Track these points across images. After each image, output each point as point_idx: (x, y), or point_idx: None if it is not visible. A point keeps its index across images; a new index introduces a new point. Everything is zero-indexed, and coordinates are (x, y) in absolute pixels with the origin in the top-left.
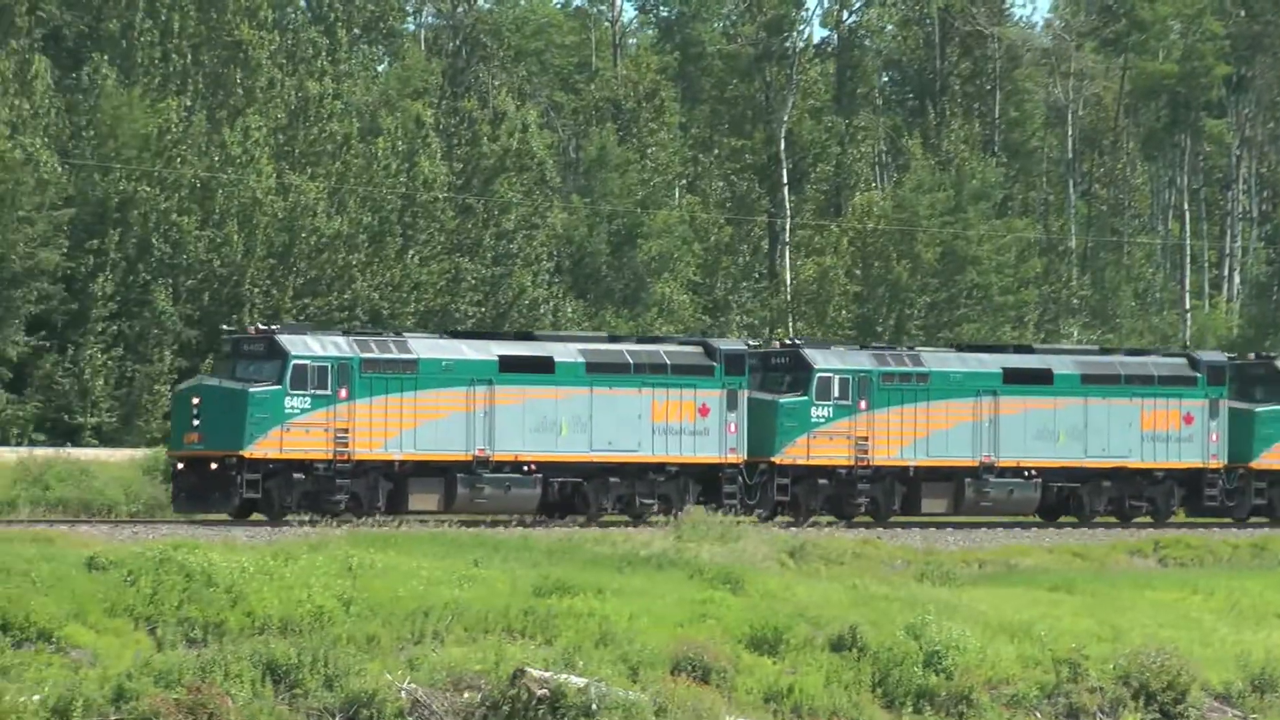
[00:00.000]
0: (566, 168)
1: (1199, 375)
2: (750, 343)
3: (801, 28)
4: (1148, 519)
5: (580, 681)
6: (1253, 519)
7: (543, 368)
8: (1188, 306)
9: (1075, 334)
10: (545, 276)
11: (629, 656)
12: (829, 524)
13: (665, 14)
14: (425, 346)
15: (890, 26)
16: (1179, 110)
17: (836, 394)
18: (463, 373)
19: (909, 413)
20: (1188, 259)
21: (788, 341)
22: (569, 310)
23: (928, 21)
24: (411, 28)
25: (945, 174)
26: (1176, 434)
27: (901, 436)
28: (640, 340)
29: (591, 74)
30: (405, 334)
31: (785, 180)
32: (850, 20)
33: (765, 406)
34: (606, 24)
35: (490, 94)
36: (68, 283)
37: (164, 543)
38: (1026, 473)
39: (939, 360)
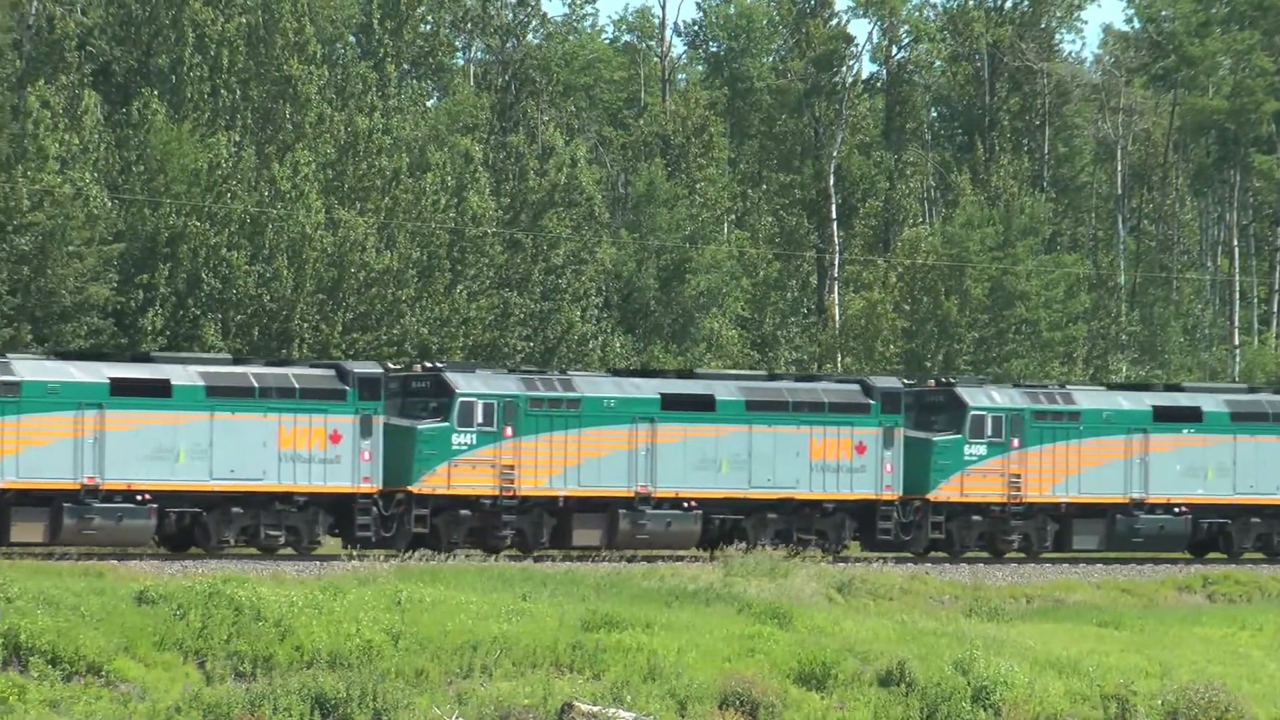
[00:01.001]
0: (615, 203)
1: (873, 402)
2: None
3: (851, 63)
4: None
5: (628, 716)
6: (932, 554)
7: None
8: (1236, 342)
9: (1124, 370)
10: (594, 312)
11: (677, 691)
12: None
13: (714, 49)
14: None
15: (939, 62)
16: (1228, 146)
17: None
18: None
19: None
20: (1236, 295)
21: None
22: (617, 345)
23: (977, 57)
24: (461, 63)
25: (994, 209)
26: (848, 464)
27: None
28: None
29: (640, 109)
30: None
31: (834, 215)
32: (899, 56)
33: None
34: (655, 59)
35: (539, 129)
36: (117, 317)
37: (213, 577)
38: (686, 504)
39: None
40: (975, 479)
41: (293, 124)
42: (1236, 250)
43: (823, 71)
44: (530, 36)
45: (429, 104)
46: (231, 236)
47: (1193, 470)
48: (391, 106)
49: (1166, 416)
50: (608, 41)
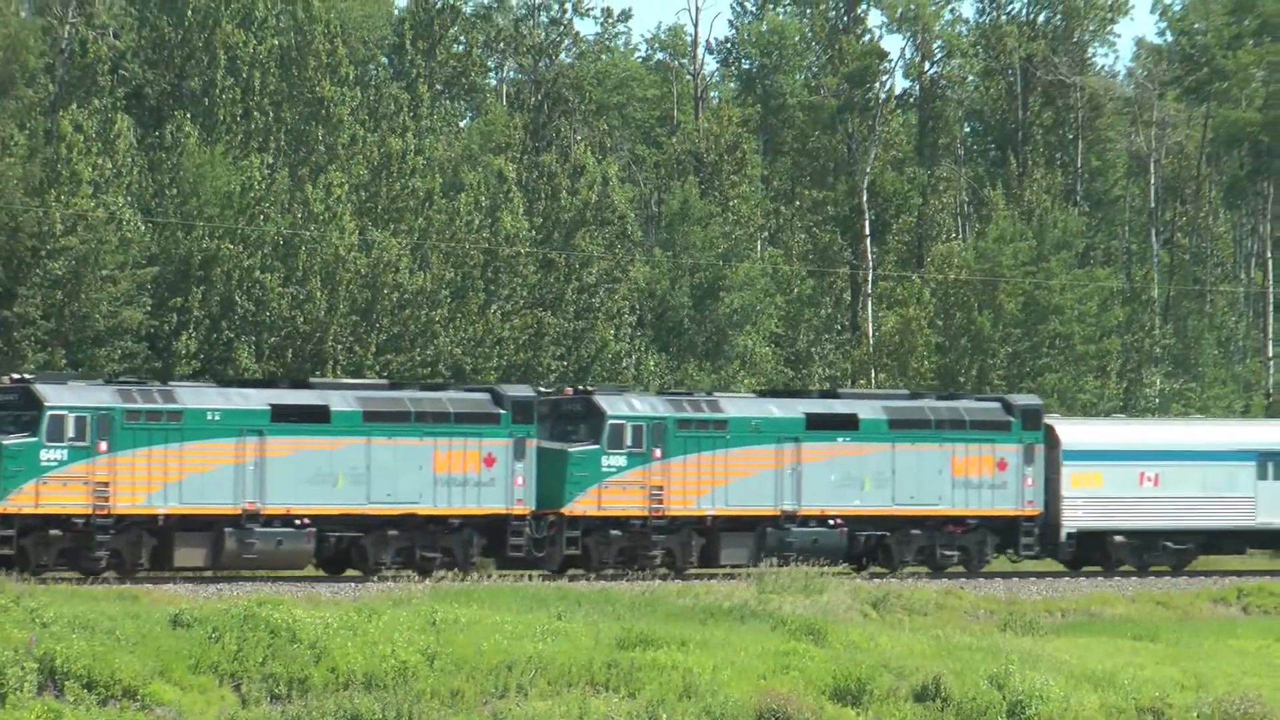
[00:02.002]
0: (648, 221)
1: (503, 412)
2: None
3: (883, 79)
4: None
5: None
6: (571, 570)
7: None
8: (1270, 354)
9: (1158, 383)
10: (627, 330)
11: (712, 709)
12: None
13: (747, 66)
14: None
15: (972, 77)
16: (1261, 158)
17: (630, 442)
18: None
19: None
20: (1270, 307)
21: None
22: (651, 364)
23: (1009, 72)
24: (493, 83)
25: (1027, 224)
26: (476, 477)
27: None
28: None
29: (673, 127)
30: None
31: (867, 231)
32: (932, 71)
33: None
34: (688, 77)
35: (571, 148)
36: (151, 341)
37: (248, 599)
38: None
39: None
40: (615, 491)
41: (325, 145)
42: (1270, 262)
43: (855, 87)
44: (563, 56)
45: (462, 124)
46: (265, 259)
47: (849, 480)
48: (424, 127)
49: (820, 424)
50: (640, 60)
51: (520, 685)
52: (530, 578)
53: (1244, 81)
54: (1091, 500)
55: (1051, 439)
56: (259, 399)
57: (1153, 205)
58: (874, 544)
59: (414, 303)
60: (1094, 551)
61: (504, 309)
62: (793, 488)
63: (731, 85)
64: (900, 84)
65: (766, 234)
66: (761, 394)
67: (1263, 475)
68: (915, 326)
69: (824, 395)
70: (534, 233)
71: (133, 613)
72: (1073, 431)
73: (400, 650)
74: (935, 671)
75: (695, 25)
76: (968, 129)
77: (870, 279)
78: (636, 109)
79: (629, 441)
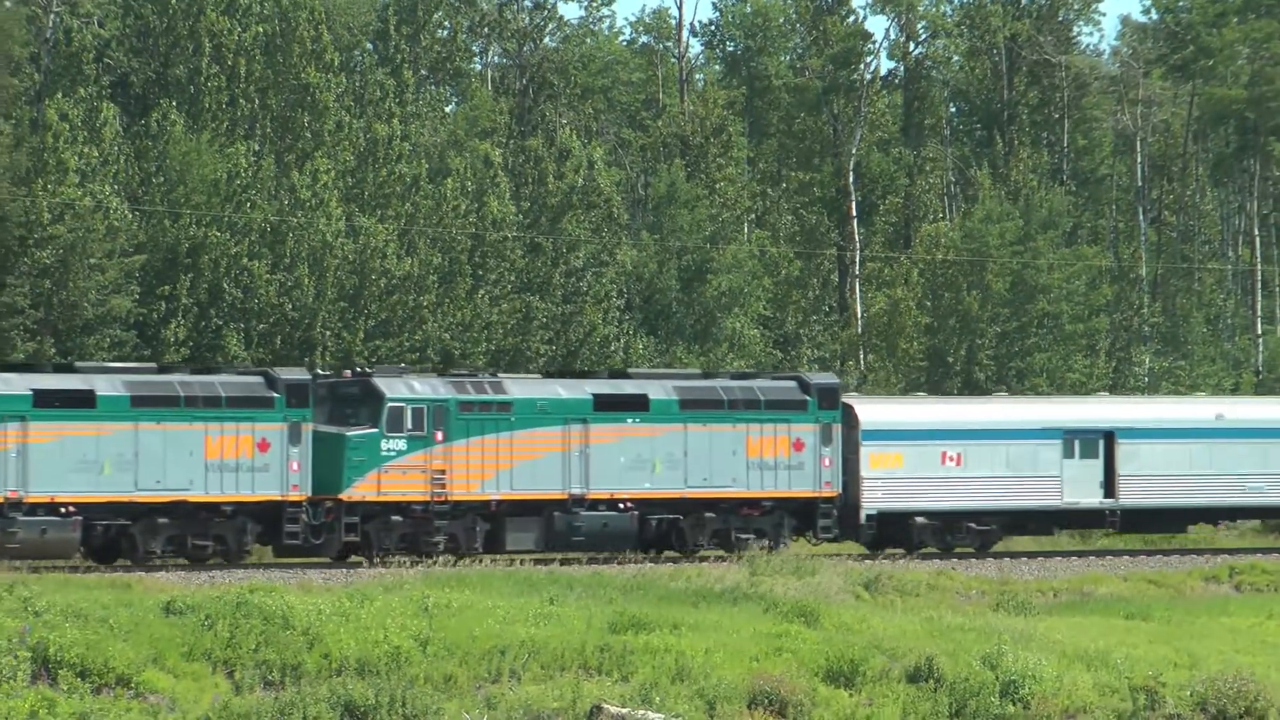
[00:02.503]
0: (635, 204)
1: (277, 396)
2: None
3: (868, 60)
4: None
5: (657, 717)
6: (352, 558)
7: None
8: (1259, 332)
9: (1147, 362)
10: (615, 314)
11: (705, 691)
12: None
13: (731, 49)
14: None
15: (957, 57)
16: (1248, 135)
17: (411, 425)
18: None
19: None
20: (1259, 284)
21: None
22: (640, 347)
23: (994, 51)
24: (478, 68)
25: (1014, 203)
26: (249, 462)
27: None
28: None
29: (658, 110)
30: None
31: (854, 213)
32: (917, 52)
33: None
34: (673, 60)
35: (557, 132)
36: (140, 329)
37: (241, 586)
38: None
39: None
40: (395, 476)
41: (311, 132)
42: (1258, 239)
43: (841, 69)
44: (547, 40)
45: (447, 109)
46: (252, 246)
47: (639, 462)
48: (410, 113)
49: (608, 405)
50: (625, 43)
51: (513, 670)
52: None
53: (1229, 59)
54: (892, 481)
55: (850, 418)
56: (21, 384)
57: (1139, 184)
58: (667, 528)
59: (401, 288)
60: (896, 533)
61: (492, 294)
62: (581, 471)
63: (716, 68)
64: (885, 65)
65: (753, 216)
66: (549, 375)
67: (1069, 454)
68: (903, 307)
69: (613, 375)
70: (521, 217)
71: (125, 601)
72: (872, 411)
73: (393, 636)
74: (928, 652)
75: (679, 8)
76: (953, 109)
77: (858, 260)
78: (622, 92)
79: (409, 425)
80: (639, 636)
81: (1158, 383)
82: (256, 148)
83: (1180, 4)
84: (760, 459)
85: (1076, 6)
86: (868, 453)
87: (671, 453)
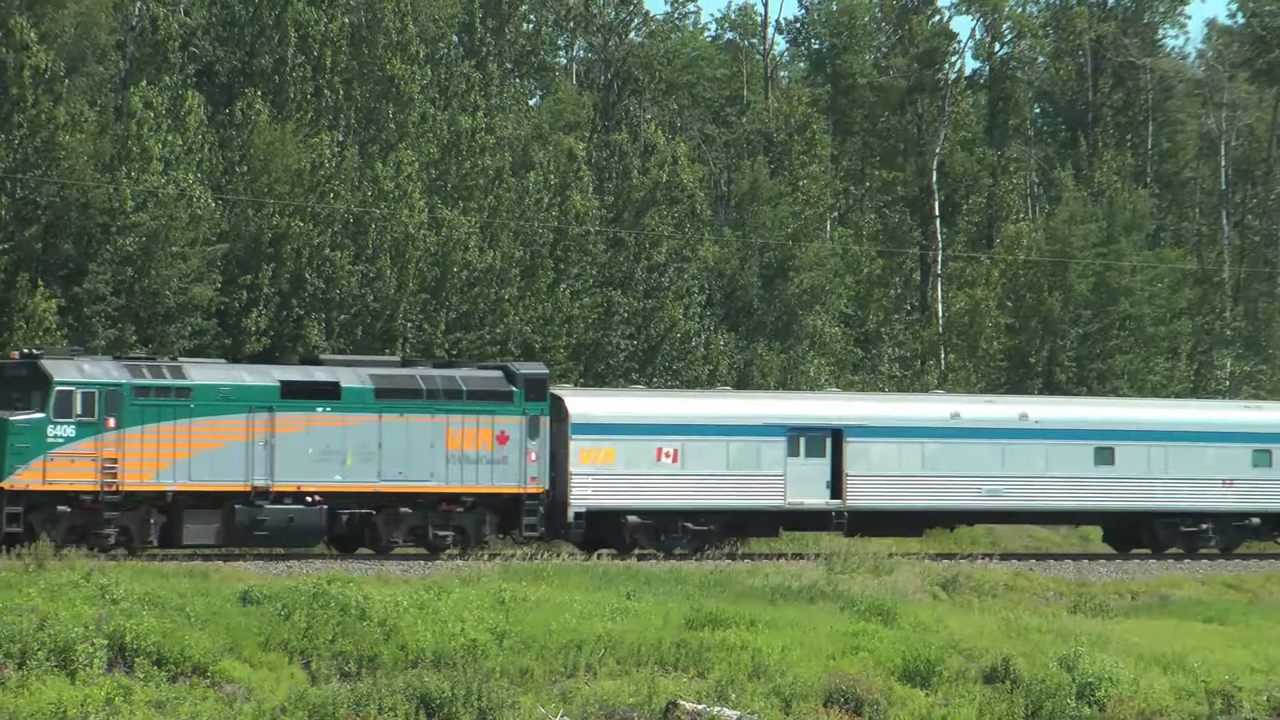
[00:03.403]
0: (718, 200)
1: None
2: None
3: (953, 59)
4: None
5: (733, 714)
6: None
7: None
8: None
9: (1228, 365)
10: (696, 310)
11: (781, 689)
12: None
13: (816, 46)
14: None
15: (1042, 58)
16: None
17: (81, 410)
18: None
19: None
20: None
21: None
22: (720, 343)
23: (1080, 53)
24: (563, 61)
25: (1097, 205)
26: None
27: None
28: None
29: (743, 107)
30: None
31: (937, 212)
32: (1002, 52)
33: None
34: (758, 57)
35: (641, 127)
36: (221, 318)
37: (318, 577)
38: None
39: None
40: (62, 464)
41: (395, 124)
42: None
43: (925, 68)
44: (633, 35)
45: (531, 103)
46: (335, 236)
47: (329, 454)
48: (494, 105)
49: (297, 393)
50: (710, 39)
51: (589, 664)
52: (600, 556)
53: None
54: (603, 477)
55: (560, 411)
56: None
57: (1223, 187)
58: (359, 523)
59: (483, 281)
60: (607, 532)
61: (573, 288)
62: (265, 461)
63: (801, 65)
64: (970, 65)
65: (836, 214)
66: (236, 360)
67: (793, 452)
68: (984, 307)
69: (305, 361)
70: (603, 211)
71: (202, 590)
72: (583, 403)
73: (469, 628)
74: (1005, 653)
75: (765, 5)
76: (1037, 110)
77: (940, 259)
78: (706, 88)
79: (79, 410)
80: (715, 633)
81: (1238, 387)
82: (340, 138)
83: (1267, 8)
84: (461, 452)
85: (1162, 9)
86: (578, 447)
87: (365, 444)
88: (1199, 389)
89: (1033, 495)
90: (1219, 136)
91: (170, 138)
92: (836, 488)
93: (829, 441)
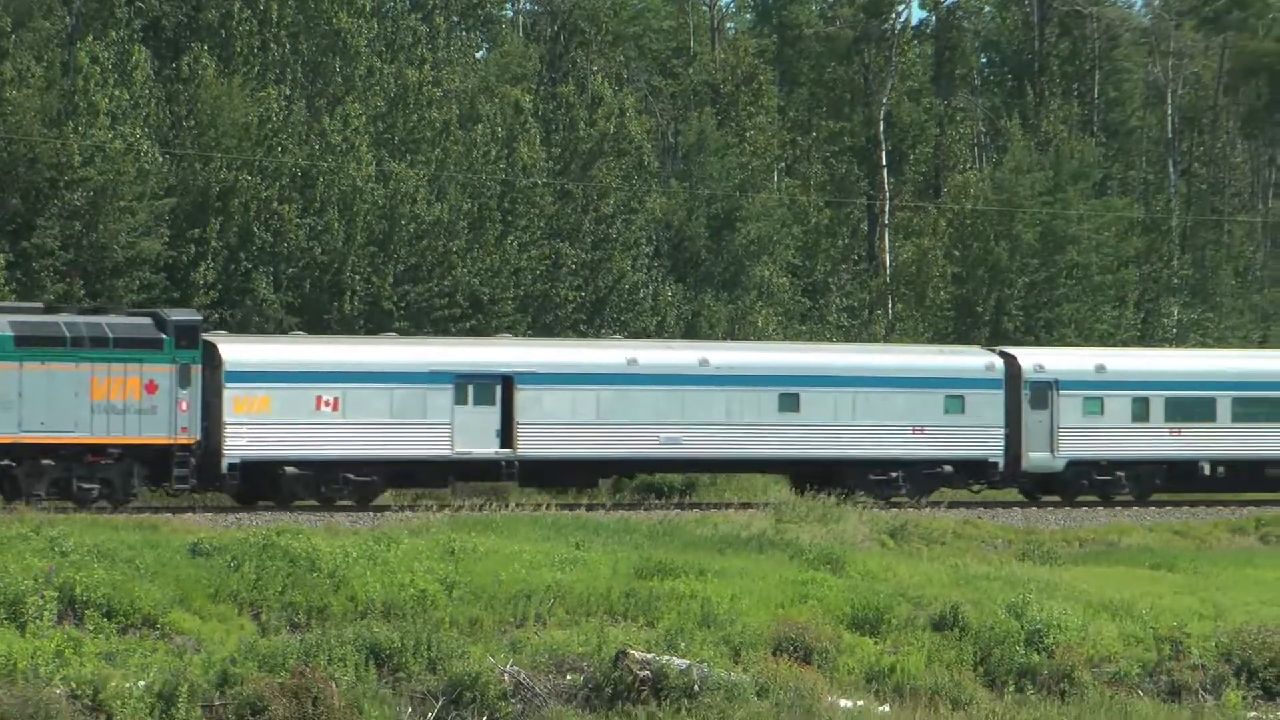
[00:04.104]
0: (665, 152)
1: None
2: None
3: (900, 9)
4: None
5: (682, 663)
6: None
7: None
8: None
9: (1175, 313)
10: (644, 261)
11: (731, 638)
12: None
13: None
14: None
15: (989, 7)
16: (1279, 88)
17: None
18: None
19: None
20: None
21: None
22: (668, 294)
23: (1026, 2)
24: (510, 14)
25: (1044, 154)
26: None
27: None
28: None
29: (689, 58)
30: None
31: (884, 162)
32: (949, 1)
33: None
34: (704, 8)
35: (588, 79)
36: (169, 271)
37: (267, 528)
38: None
39: None
40: None
41: (342, 77)
42: None
43: (872, 18)
44: None
45: (478, 55)
46: (282, 190)
47: None
48: (441, 58)
49: None
50: None
51: (539, 614)
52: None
53: (1262, 10)
54: (258, 427)
55: (213, 358)
56: None
57: (1170, 135)
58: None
59: (431, 233)
60: (264, 484)
61: (521, 240)
62: None
63: (747, 16)
64: (916, 14)
65: (783, 165)
66: None
67: (461, 400)
68: (931, 257)
69: None
70: (551, 164)
71: (152, 542)
72: (237, 351)
73: (419, 579)
74: (953, 601)
75: None
76: (984, 59)
77: (887, 209)
78: (653, 40)
79: None
80: (665, 582)
81: (1186, 334)
82: (288, 92)
83: None
84: (108, 402)
85: None
86: (231, 396)
87: (4, 393)
88: (1146, 337)
89: (713, 444)
90: (1165, 85)
91: (117, 92)
92: (507, 437)
93: (499, 389)
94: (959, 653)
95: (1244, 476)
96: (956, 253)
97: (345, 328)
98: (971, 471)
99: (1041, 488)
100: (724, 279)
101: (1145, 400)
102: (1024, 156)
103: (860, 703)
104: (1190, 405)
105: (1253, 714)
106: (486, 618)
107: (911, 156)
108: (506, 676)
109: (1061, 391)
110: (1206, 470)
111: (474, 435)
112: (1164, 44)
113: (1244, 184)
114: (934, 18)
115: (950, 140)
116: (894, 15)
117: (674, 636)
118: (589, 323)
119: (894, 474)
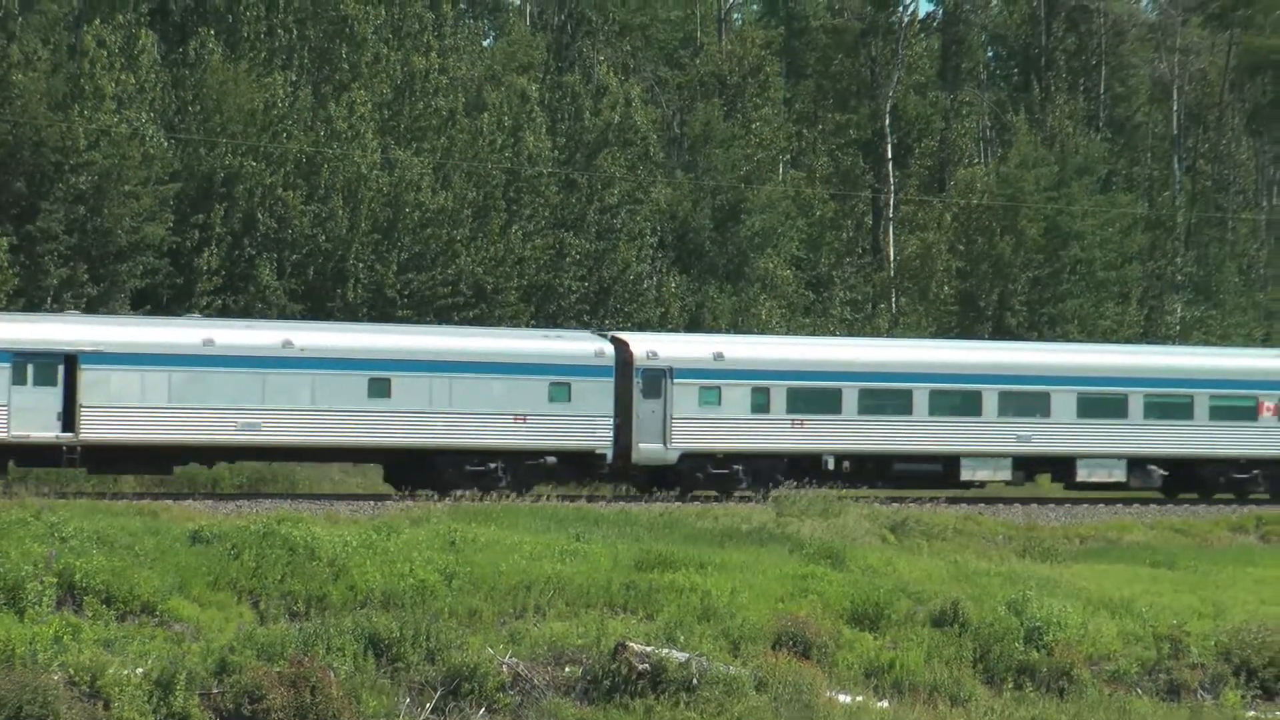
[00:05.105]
0: (671, 143)
1: None
2: None
3: (907, 2)
4: None
5: (682, 656)
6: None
7: None
8: None
9: (1179, 310)
10: (649, 251)
11: (730, 631)
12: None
13: None
14: None
15: (995, 2)
16: None
17: None
18: None
19: None
20: None
21: None
22: (672, 285)
23: None
24: (516, 2)
25: (1049, 149)
26: None
27: None
28: None
29: (696, 49)
30: None
31: (889, 156)
32: None
33: None
34: None
35: (594, 69)
36: (173, 257)
37: (267, 516)
38: None
39: None
40: None
41: (349, 64)
42: None
43: (879, 11)
44: None
45: (485, 44)
46: (287, 176)
47: None
48: (447, 46)
49: None
50: None
51: (538, 605)
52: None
53: (1269, 8)
54: None
55: None
56: None
57: (1175, 132)
58: None
59: (435, 221)
60: None
61: (525, 229)
62: None
63: (754, 7)
64: (924, 7)
65: (788, 157)
66: None
67: (20, 380)
68: (935, 251)
69: None
70: (556, 153)
71: (152, 529)
72: None
73: (418, 569)
74: (953, 596)
75: None
76: (991, 54)
77: (892, 203)
78: (660, 30)
79: None
80: (665, 575)
81: (1189, 331)
82: (294, 78)
83: None
84: None
85: None
86: None
87: None
88: (1149, 333)
89: (297, 430)
90: (1171, 81)
91: (123, 76)
92: (70, 420)
93: (62, 369)
94: (958, 649)
95: (870, 471)
96: (961, 247)
97: (349, 314)
98: (579, 463)
99: (656, 481)
100: (728, 271)
101: (766, 390)
102: (1029, 151)
103: (859, 698)
104: (814, 396)
105: (1251, 713)
106: (486, 609)
107: (917, 150)
108: (505, 668)
109: (676, 380)
110: (831, 464)
111: (33, 418)
112: (1170, 40)
113: (1249, 181)
114: (941, 11)
115: (956, 134)
116: (901, 8)
117: (673, 629)
118: (592, 313)
119: (493, 465)
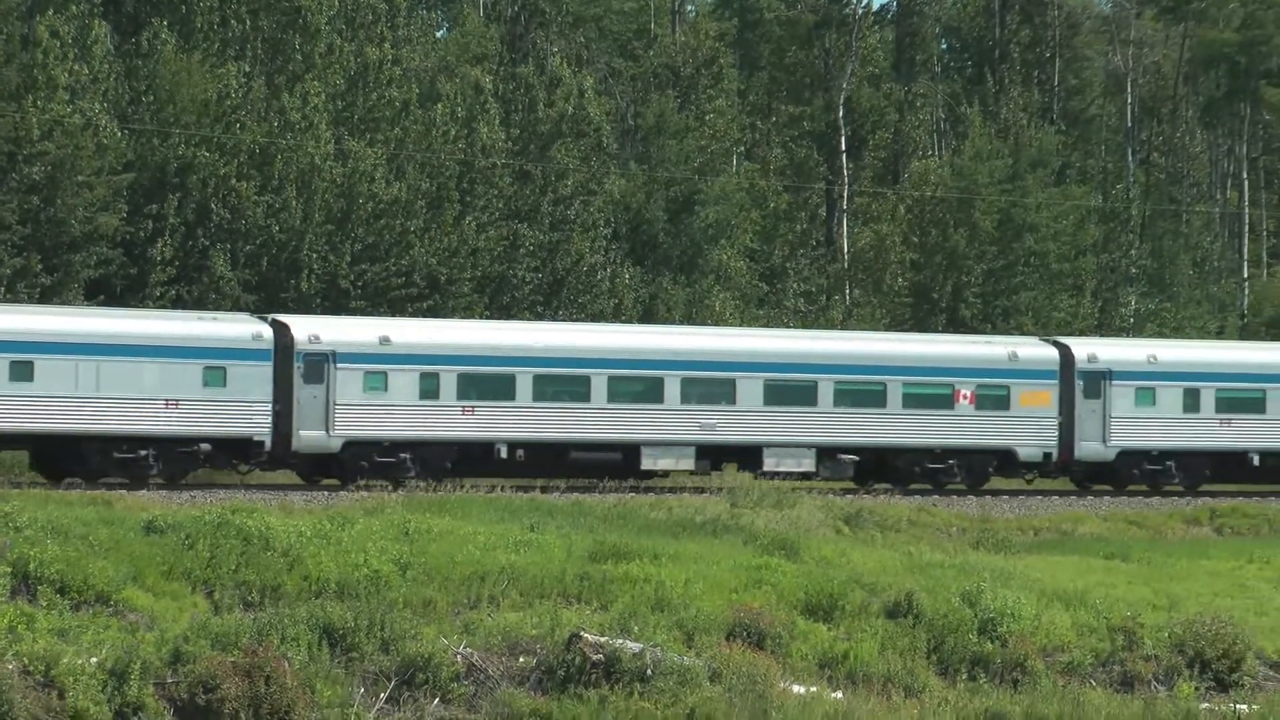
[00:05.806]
0: (625, 134)
1: None
2: None
3: None
4: None
5: (636, 646)
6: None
7: None
8: (1245, 275)
9: (1133, 303)
10: (603, 243)
11: (684, 622)
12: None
13: None
14: None
15: None
16: (1238, 79)
17: None
18: None
19: None
20: (1246, 228)
21: None
22: (626, 277)
23: None
24: None
25: (1003, 142)
26: None
27: None
28: None
29: (650, 41)
30: None
31: (844, 148)
32: None
33: None
34: None
35: (548, 60)
36: (127, 247)
37: (222, 506)
38: None
39: None
40: None
41: (302, 54)
42: (1246, 183)
43: (833, 3)
44: None
45: (438, 34)
46: (241, 167)
47: None
48: (401, 37)
49: None
50: None
51: (492, 596)
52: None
53: (1222, 1)
54: None
55: None
56: None
57: (1129, 124)
58: None
59: (389, 213)
60: None
61: (479, 220)
62: None
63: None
64: (878, 0)
65: (743, 149)
66: None
67: None
68: (889, 243)
69: None
70: (510, 144)
71: (106, 519)
72: None
73: (373, 559)
74: (907, 588)
75: None
76: (945, 46)
77: (846, 195)
78: (613, 22)
79: None
80: (619, 566)
81: (1143, 324)
82: (247, 69)
83: None
84: None
85: None
86: None
87: None
88: (1104, 326)
89: None
90: (1125, 74)
91: (76, 67)
92: None
93: None
94: (912, 640)
95: (547, 461)
96: (915, 239)
97: (303, 305)
98: (236, 451)
99: (319, 469)
100: (682, 262)
101: (436, 376)
102: (983, 143)
103: (813, 689)
104: (486, 382)
105: (1205, 705)
106: (440, 599)
107: (871, 142)
108: (459, 658)
109: (339, 365)
110: (504, 453)
111: None
112: (1124, 33)
113: (1202, 174)
114: (895, 3)
115: (910, 126)
116: (855, 1)
117: (627, 620)
118: (546, 304)
119: (144, 452)
